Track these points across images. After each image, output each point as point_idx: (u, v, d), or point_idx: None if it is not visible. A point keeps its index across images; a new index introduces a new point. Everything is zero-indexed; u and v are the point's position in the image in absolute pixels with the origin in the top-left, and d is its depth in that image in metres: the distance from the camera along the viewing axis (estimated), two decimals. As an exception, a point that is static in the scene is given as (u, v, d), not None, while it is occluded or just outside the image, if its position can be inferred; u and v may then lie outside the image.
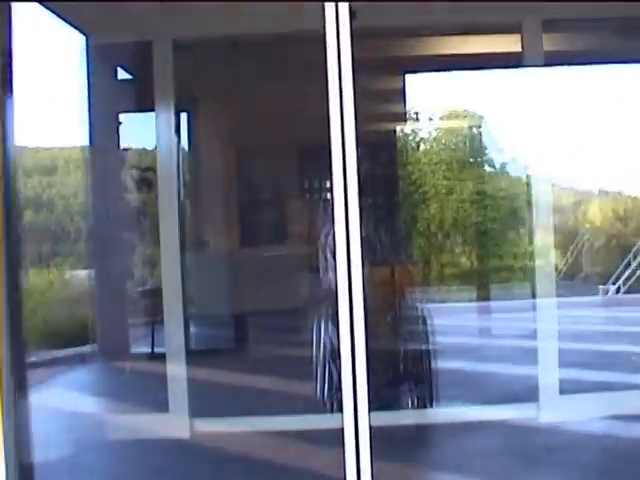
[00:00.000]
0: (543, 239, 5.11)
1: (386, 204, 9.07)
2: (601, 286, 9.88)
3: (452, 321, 7.49)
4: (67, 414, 5.22)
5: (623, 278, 9.86)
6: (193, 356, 5.44)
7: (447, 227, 11.85)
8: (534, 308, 5.06)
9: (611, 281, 9.95)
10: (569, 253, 10.90)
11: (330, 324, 4.11)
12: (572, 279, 10.69)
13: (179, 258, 4.67)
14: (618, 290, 9.78)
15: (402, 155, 11.57)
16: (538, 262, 5.13)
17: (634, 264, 9.81)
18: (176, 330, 4.73)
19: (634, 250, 9.85)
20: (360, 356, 3.13)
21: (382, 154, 9.68)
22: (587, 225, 11.57)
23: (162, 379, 4.81)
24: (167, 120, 4.92)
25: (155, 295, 7.03)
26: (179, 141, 5.52)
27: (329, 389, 4.20)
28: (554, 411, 4.55)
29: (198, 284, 7.30)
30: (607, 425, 4.44)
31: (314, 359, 4.23)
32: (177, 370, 4.75)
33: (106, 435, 4.71)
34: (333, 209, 3.11)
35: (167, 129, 4.90)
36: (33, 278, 9.65)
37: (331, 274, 3.89)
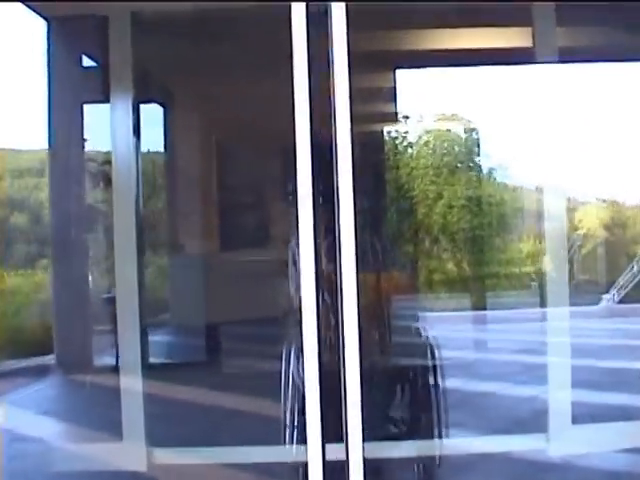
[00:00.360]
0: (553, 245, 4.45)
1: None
2: (604, 295, 9.21)
3: (451, 333, 6.76)
4: (9, 439, 4.45)
5: (618, 287, 9.21)
6: (156, 371, 4.71)
7: (444, 233, 11.22)
8: (538, 319, 4.41)
9: (614, 289, 9.29)
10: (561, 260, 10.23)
11: (301, 356, 3.35)
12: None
13: (135, 262, 3.95)
14: (615, 299, 9.11)
15: (395, 159, 10.96)
16: (547, 269, 4.46)
17: (636, 269, 9.14)
18: (131, 343, 3.99)
19: (638, 257, 9.20)
20: (352, 374, 2.71)
21: (373, 157, 9.07)
22: (580, 232, 10.90)
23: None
24: (124, 110, 4.17)
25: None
26: (139, 135, 4.70)
27: (298, 442, 3.42)
28: (566, 443, 3.84)
29: (169, 291, 6.56)
30: (628, 460, 3.73)
31: (282, 402, 3.44)
32: (132, 390, 4.00)
33: (49, 467, 3.95)
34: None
35: (124, 120, 4.15)
36: (18, 280, 8.98)
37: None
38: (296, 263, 4.37)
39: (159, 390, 4.43)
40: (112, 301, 6.28)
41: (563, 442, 3.83)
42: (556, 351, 4.21)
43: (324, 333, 5.59)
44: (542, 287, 4.34)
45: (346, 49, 2.79)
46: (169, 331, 7.05)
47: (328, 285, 4.94)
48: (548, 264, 4.53)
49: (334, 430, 3.90)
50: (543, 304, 4.60)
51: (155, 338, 7.02)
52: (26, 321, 7.70)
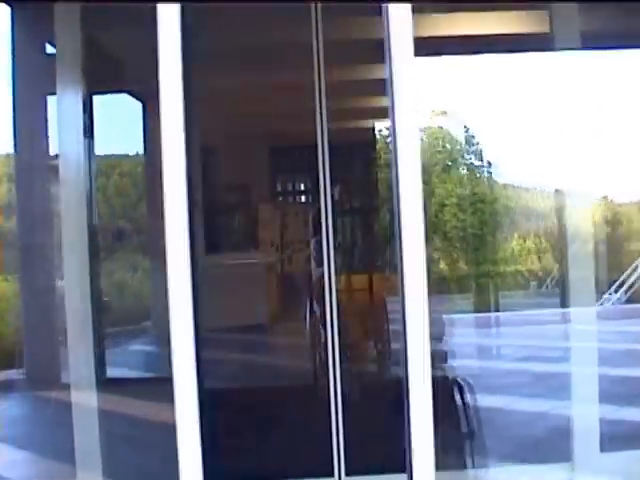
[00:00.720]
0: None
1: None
2: (605, 295, 8.55)
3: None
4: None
5: (627, 286, 8.56)
6: (120, 388, 4.01)
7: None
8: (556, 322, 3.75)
9: (613, 289, 8.64)
10: (562, 258, 9.61)
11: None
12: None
13: (87, 268, 3.28)
14: (621, 299, 8.46)
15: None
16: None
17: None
18: (84, 357, 3.32)
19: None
20: (421, 390, 2.22)
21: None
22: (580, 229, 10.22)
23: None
24: (72, 103, 3.46)
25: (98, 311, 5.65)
26: (92, 131, 3.91)
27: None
28: (594, 474, 3.18)
29: (145, 296, 5.87)
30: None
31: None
32: (86, 414, 3.33)
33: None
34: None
35: (72, 114, 3.45)
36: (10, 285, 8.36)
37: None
38: (315, 258, 4.18)
39: (122, 411, 3.73)
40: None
41: (591, 473, 3.17)
42: (577, 359, 3.55)
43: (313, 350, 4.96)
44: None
45: (411, 43, 2.32)
46: (149, 340, 6.36)
47: (317, 293, 4.27)
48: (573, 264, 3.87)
49: (323, 462, 3.25)
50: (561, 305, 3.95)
51: (133, 347, 6.37)
52: (4, 330, 7.07)
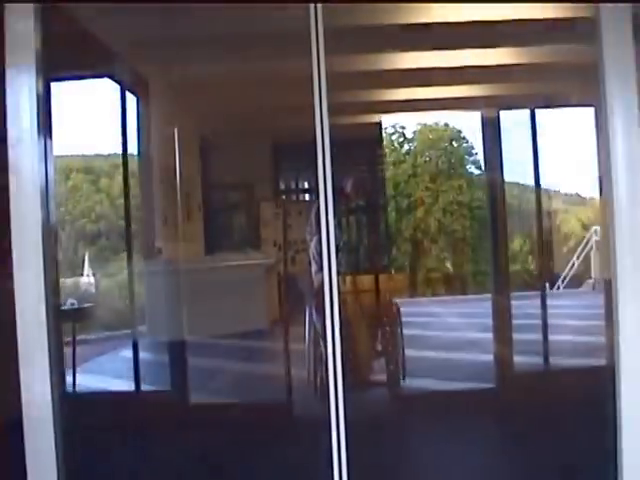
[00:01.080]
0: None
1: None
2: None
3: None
4: None
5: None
6: (78, 405, 3.41)
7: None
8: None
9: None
10: (575, 257, 9.11)
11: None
12: (580, 285, 8.98)
13: (41, 274, 2.71)
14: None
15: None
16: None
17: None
18: (37, 370, 2.74)
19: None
20: None
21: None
22: (594, 227, 9.63)
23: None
24: (21, 88, 2.85)
25: (77, 316, 5.13)
26: (49, 122, 3.23)
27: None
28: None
29: (132, 302, 5.31)
30: None
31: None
32: (42, 439, 2.76)
33: None
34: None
35: (23, 103, 2.85)
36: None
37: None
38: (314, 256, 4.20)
39: (93, 436, 3.12)
40: (68, 314, 5.08)
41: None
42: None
43: (313, 366, 4.37)
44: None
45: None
46: (144, 347, 5.78)
47: (318, 299, 3.66)
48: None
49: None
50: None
51: (123, 355, 5.81)
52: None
